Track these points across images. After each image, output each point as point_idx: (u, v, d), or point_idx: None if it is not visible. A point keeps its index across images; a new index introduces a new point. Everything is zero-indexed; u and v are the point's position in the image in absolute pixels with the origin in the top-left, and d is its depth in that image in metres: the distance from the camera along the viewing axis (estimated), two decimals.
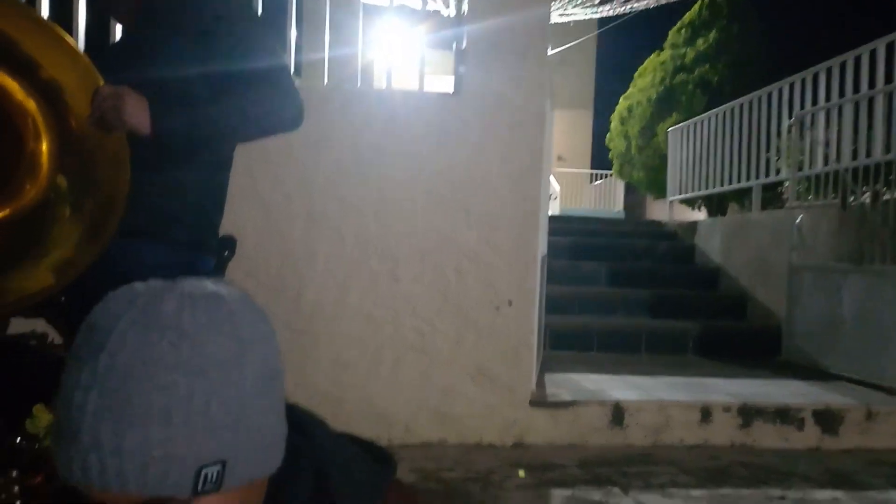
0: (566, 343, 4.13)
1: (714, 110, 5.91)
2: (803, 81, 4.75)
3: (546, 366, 3.53)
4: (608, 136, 9.57)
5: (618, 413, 2.94)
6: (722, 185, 5.69)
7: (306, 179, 2.81)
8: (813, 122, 4.56)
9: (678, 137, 6.57)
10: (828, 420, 3.05)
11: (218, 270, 1.44)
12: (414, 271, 2.86)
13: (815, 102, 4.61)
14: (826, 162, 4.42)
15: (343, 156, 2.84)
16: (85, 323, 0.54)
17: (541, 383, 3.13)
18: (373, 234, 2.85)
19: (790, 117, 4.78)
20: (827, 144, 4.46)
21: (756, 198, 5.25)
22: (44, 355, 1.28)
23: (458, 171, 2.87)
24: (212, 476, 0.51)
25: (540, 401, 2.91)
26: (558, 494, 2.34)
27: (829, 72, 4.50)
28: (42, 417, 1.03)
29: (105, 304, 0.54)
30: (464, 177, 2.87)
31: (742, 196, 6.40)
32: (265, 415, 0.55)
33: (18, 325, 1.40)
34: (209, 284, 0.56)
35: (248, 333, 0.55)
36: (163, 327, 0.51)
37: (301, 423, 0.62)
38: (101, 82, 1.11)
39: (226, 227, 1.53)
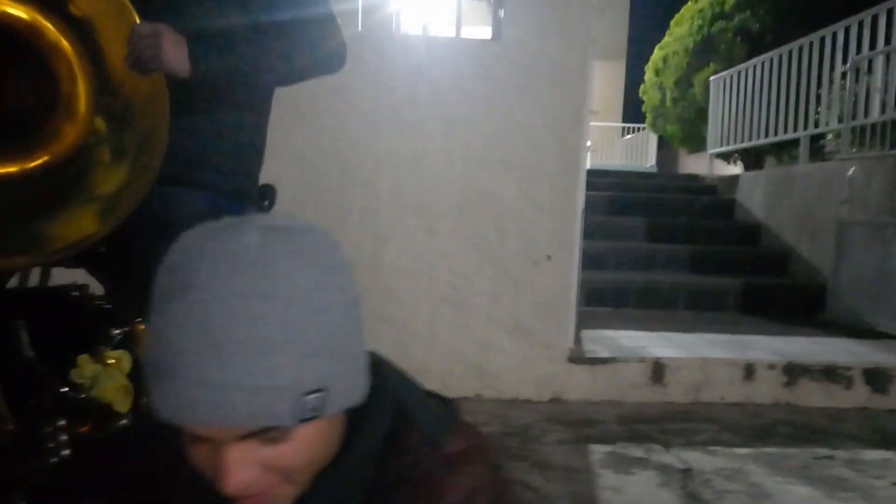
0: (602, 299, 4.06)
1: (760, 57, 5.62)
2: (860, 24, 4.46)
3: (582, 322, 3.48)
4: (642, 87, 9.24)
5: (658, 370, 2.89)
6: (766, 136, 5.45)
7: (340, 131, 2.74)
8: (870, 69, 4.31)
9: (720, 87, 6.30)
10: (878, 379, 2.95)
11: None
12: (451, 226, 2.80)
13: (872, 47, 4.34)
14: (883, 110, 4.19)
15: (377, 106, 2.75)
16: (164, 265, 0.53)
17: (578, 339, 3.08)
18: (408, 188, 2.78)
19: (844, 63, 4.52)
20: (885, 91, 4.22)
21: (803, 150, 5.03)
22: (85, 306, 1.27)
23: (497, 122, 2.77)
24: (314, 403, 0.51)
25: (578, 357, 2.87)
26: (598, 450, 2.31)
27: (889, 13, 4.22)
28: (87, 367, 1.02)
29: (183, 244, 0.53)
30: (502, 128, 2.77)
31: (781, 149, 6.14)
32: (355, 341, 0.56)
33: (59, 276, 1.39)
34: (281, 217, 0.55)
35: (328, 261, 0.54)
36: (249, 259, 0.50)
37: (372, 360, 0.63)
38: (137, 20, 1.05)
39: (262, 180, 1.49)
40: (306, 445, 0.53)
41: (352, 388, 0.56)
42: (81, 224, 0.89)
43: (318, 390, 0.51)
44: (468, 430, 0.66)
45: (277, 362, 0.49)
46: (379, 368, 0.62)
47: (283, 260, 0.51)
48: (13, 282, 1.33)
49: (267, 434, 0.51)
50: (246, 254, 0.51)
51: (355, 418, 0.60)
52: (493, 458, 0.65)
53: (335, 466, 0.58)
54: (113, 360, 1.04)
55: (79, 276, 1.38)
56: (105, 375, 1.02)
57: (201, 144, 1.27)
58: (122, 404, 1.04)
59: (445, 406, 0.66)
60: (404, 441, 0.60)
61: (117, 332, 1.09)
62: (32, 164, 0.87)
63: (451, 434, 0.62)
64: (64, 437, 1.01)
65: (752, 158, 6.73)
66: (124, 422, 1.05)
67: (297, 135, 2.71)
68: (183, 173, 1.23)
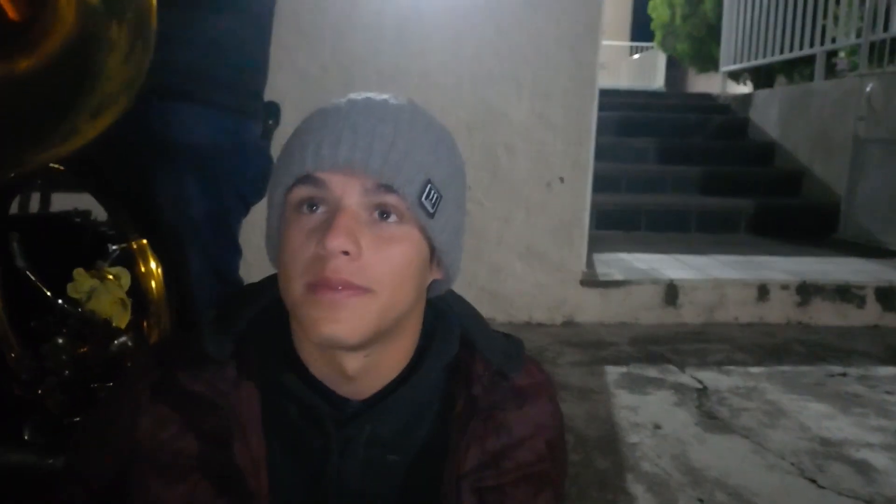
0: (613, 222, 4.00)
1: None
2: None
3: (593, 245, 3.44)
4: (651, 3, 8.85)
5: (671, 292, 2.87)
6: (781, 52, 5.24)
7: (342, 48, 2.61)
8: None
9: (734, 1, 6.00)
10: (890, 297, 2.94)
11: (264, 138, 1.33)
12: (460, 146, 2.69)
13: None
14: None
15: (381, 21, 2.60)
16: (300, 126, 0.57)
17: (590, 262, 3.04)
18: None
19: None
20: None
21: (819, 66, 4.83)
22: (88, 229, 1.22)
23: (507, 36, 2.63)
24: (433, 196, 0.53)
25: (591, 280, 2.84)
26: (613, 371, 2.32)
27: None
28: (83, 281, 0.99)
29: (317, 112, 0.56)
30: (513, 43, 2.63)
31: (792, 68, 5.91)
32: (462, 221, 0.59)
33: (61, 202, 1.33)
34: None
35: (452, 138, 0.60)
36: (398, 109, 0.56)
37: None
38: None
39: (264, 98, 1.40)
40: (403, 253, 0.53)
41: (455, 255, 0.58)
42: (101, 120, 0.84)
43: (438, 190, 0.54)
44: (532, 365, 0.65)
45: (416, 144, 0.53)
46: (447, 294, 0.61)
47: (428, 123, 0.57)
48: (13, 208, 1.27)
49: (386, 204, 0.52)
50: (385, 98, 0.56)
51: (424, 342, 0.59)
52: (555, 395, 0.64)
53: (405, 384, 0.57)
54: (111, 276, 1.00)
55: (82, 201, 1.33)
56: (102, 289, 0.98)
57: (202, 55, 1.18)
58: (121, 318, 1.01)
59: (509, 341, 0.64)
60: (472, 370, 0.59)
61: (115, 248, 1.05)
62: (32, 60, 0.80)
63: (516, 368, 0.60)
64: (64, 357, 0.98)
65: (763, 78, 6.50)
66: (123, 339, 1.02)
67: (298, 52, 2.58)
68: (183, 86, 1.15)
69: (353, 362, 0.54)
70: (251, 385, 0.55)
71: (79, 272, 0.99)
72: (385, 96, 0.56)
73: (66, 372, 0.98)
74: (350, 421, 0.55)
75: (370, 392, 0.57)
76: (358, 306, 0.51)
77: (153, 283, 1.04)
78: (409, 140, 0.53)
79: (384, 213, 0.52)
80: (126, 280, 1.03)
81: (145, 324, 1.05)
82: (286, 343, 0.58)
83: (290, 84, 2.56)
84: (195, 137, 1.13)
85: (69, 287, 0.98)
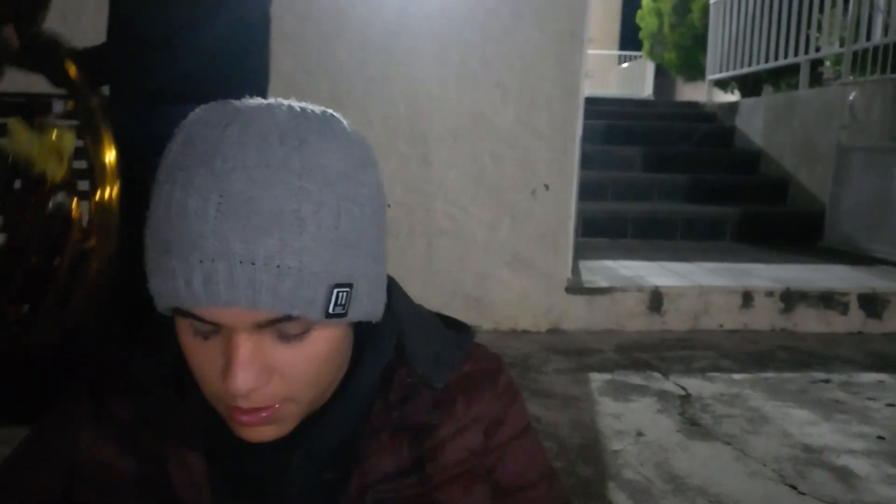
0: (599, 230, 4.02)
1: None
2: None
3: (579, 253, 3.45)
4: (639, 13, 8.93)
5: (656, 299, 2.87)
6: (766, 61, 5.29)
7: (328, 54, 2.61)
8: None
9: (720, 11, 6.06)
10: (872, 304, 2.96)
11: None
12: (446, 154, 2.71)
13: None
14: (886, 33, 4.04)
15: (367, 27, 2.61)
16: (178, 136, 0.46)
17: (576, 270, 3.05)
18: (401, 114, 2.67)
19: None
20: (888, 13, 4.05)
21: (804, 75, 4.88)
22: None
23: (493, 43, 2.64)
24: (342, 299, 0.46)
25: (576, 287, 2.84)
26: (597, 378, 2.31)
27: None
28: (20, 131, 0.95)
29: (202, 116, 0.46)
30: (499, 50, 2.64)
31: (778, 76, 5.97)
32: (379, 246, 0.50)
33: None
34: (310, 105, 0.49)
35: (360, 153, 0.48)
36: (281, 132, 0.44)
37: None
38: None
39: None
40: (320, 353, 0.48)
41: (374, 298, 0.50)
42: None
43: (346, 285, 0.46)
44: (479, 352, 0.61)
45: (309, 244, 0.43)
46: (388, 291, 0.56)
47: (316, 139, 0.45)
48: None
49: (286, 327, 0.45)
50: (276, 128, 0.44)
51: (354, 358, 0.55)
52: (502, 379, 0.60)
53: (331, 408, 0.54)
54: (53, 132, 0.97)
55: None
56: (37, 140, 0.95)
57: (201, 61, 1.19)
58: (55, 171, 0.97)
59: (449, 341, 0.60)
60: (393, 377, 0.56)
61: (60, 102, 1.03)
62: None
63: (441, 378, 0.56)
64: None
65: (750, 86, 6.56)
66: (61, 195, 0.98)
67: (284, 58, 2.57)
68: (184, 90, 1.16)
69: None
70: (188, 408, 0.53)
71: (14, 122, 0.95)
72: (259, 134, 0.44)
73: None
74: (282, 447, 0.52)
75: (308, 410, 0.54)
76: (280, 416, 0.48)
77: (103, 149, 0.98)
78: (300, 248, 0.43)
79: (288, 335, 0.46)
80: (69, 141, 0.98)
81: (97, 195, 0.99)
82: None
83: (276, 90, 2.53)
84: None
85: (5, 143, 0.94)
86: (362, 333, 0.55)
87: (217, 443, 0.53)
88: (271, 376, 0.46)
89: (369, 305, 0.50)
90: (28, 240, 0.99)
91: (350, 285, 0.46)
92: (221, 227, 0.42)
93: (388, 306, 0.55)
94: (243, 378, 0.44)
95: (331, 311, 0.45)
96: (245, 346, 0.44)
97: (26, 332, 1.03)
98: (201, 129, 0.45)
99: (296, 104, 0.47)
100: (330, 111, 0.49)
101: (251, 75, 1.30)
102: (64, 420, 0.56)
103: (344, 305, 0.46)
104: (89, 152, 0.99)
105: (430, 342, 0.58)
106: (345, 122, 0.49)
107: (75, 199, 1.01)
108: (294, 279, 0.43)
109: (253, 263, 0.42)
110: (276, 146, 0.43)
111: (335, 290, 0.45)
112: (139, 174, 1.15)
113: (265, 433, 0.49)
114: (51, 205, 0.98)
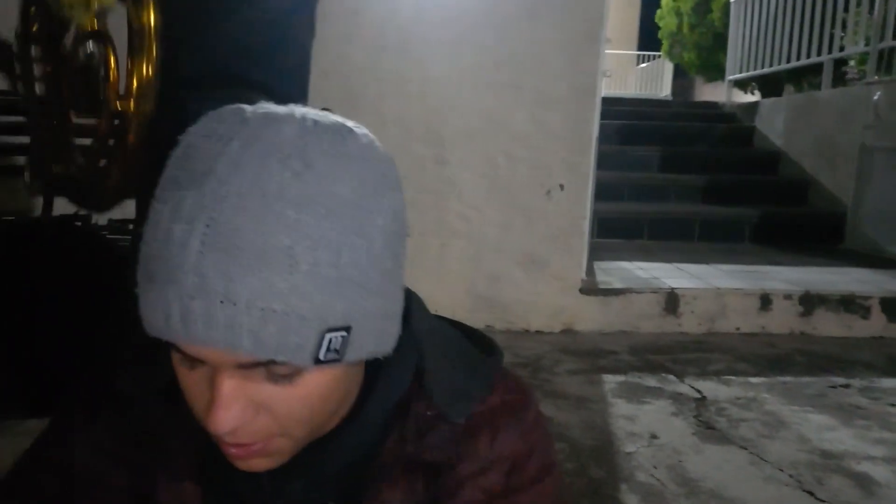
0: (615, 231, 3.98)
1: None
2: None
3: (594, 254, 3.42)
4: (658, 12, 8.86)
5: (671, 301, 2.84)
6: (788, 61, 5.21)
7: (343, 54, 2.61)
8: None
9: (741, 10, 5.99)
10: (895, 308, 2.90)
11: None
12: (460, 154, 2.70)
13: None
14: None
15: (382, 27, 2.61)
16: (180, 145, 0.43)
17: (590, 271, 3.02)
18: (415, 114, 2.67)
19: None
20: None
21: (827, 74, 4.80)
22: (91, 236, 1.22)
23: (508, 42, 2.63)
24: (335, 343, 0.42)
25: (590, 288, 2.82)
26: (611, 380, 2.29)
27: None
28: None
29: (206, 124, 0.43)
30: (513, 49, 2.63)
31: (800, 76, 5.88)
32: (392, 280, 0.46)
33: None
34: (331, 114, 0.45)
35: (376, 175, 0.44)
36: (284, 154, 0.40)
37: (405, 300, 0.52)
38: None
39: None
40: (314, 394, 0.44)
41: (379, 336, 0.46)
42: None
43: (342, 329, 0.42)
44: (505, 383, 0.55)
45: (299, 284, 0.40)
46: (409, 312, 0.52)
47: (324, 161, 0.41)
48: None
49: (273, 369, 0.42)
50: (280, 147, 0.41)
51: (368, 382, 0.51)
52: (531, 414, 0.55)
53: (340, 436, 0.50)
54: None
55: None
56: None
57: (224, 57, 1.18)
58: (82, 15, 0.95)
59: (483, 359, 0.55)
60: (409, 408, 0.52)
61: None
62: None
63: (462, 412, 0.52)
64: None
65: (771, 87, 6.48)
66: (93, 45, 0.96)
67: None
68: (213, 83, 1.15)
69: None
70: (181, 427, 0.51)
71: None
72: (260, 158, 0.40)
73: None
74: (282, 474, 0.50)
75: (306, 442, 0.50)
76: (272, 449, 0.45)
77: (144, 10, 0.93)
78: (289, 289, 0.39)
79: (275, 375, 0.43)
80: None
81: (129, 61, 0.94)
82: None
83: None
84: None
85: None
86: (377, 363, 0.51)
87: (212, 465, 0.51)
88: (258, 413, 0.43)
89: (373, 345, 0.46)
90: (64, 92, 0.97)
91: (347, 328, 0.42)
92: (203, 262, 0.39)
93: (407, 325, 0.51)
94: (224, 417, 0.41)
95: (321, 357, 0.42)
96: (228, 385, 0.42)
97: (73, 192, 1.04)
98: (201, 142, 0.42)
99: (311, 115, 0.44)
100: (349, 125, 0.45)
101: (284, 73, 1.28)
102: (58, 432, 0.55)
103: (339, 350, 0.42)
104: (130, 13, 0.94)
105: (453, 369, 0.54)
106: (365, 139, 0.45)
107: (112, 58, 0.96)
108: (279, 323, 0.39)
109: (234, 304, 0.39)
110: (275, 170, 0.40)
111: (327, 335, 0.41)
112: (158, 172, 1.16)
113: (257, 465, 0.46)
114: (81, 55, 0.94)
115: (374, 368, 0.51)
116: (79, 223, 1.27)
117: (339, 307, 0.41)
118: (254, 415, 0.43)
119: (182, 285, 0.39)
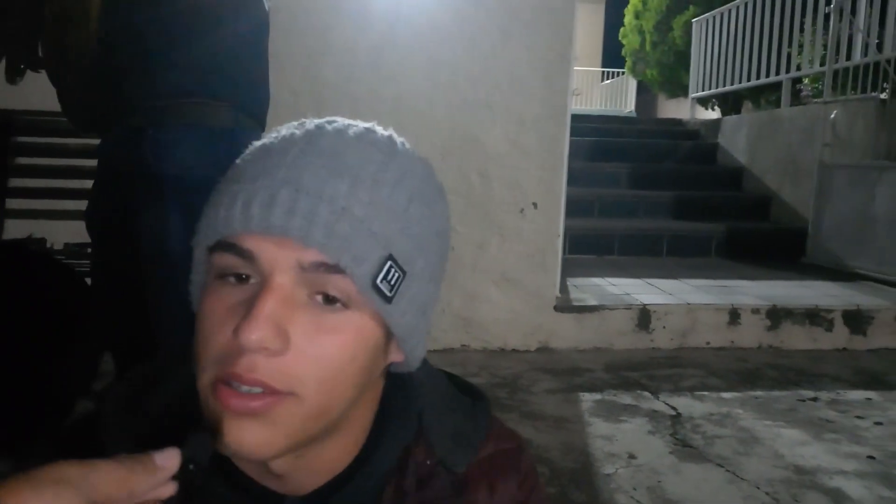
0: (586, 247, 4.02)
1: None
2: None
3: (566, 270, 3.44)
4: (622, 31, 9.06)
5: (644, 317, 2.87)
6: (749, 80, 5.37)
7: (313, 73, 2.59)
8: (854, 9, 4.21)
9: (702, 30, 6.16)
10: (857, 320, 2.98)
11: None
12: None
13: None
14: (866, 52, 4.12)
15: (354, 46, 2.60)
16: (248, 152, 0.47)
17: (564, 288, 3.04)
18: None
19: (827, 5, 4.40)
20: (868, 33, 4.14)
21: (785, 93, 4.96)
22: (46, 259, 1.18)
23: (481, 61, 2.64)
24: (392, 277, 0.43)
25: (565, 305, 2.84)
26: (588, 398, 2.30)
27: None
28: None
29: (270, 134, 0.47)
30: (487, 69, 2.65)
31: (759, 94, 6.06)
32: (436, 285, 0.48)
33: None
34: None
35: (434, 188, 0.49)
36: (369, 140, 0.46)
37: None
38: None
39: None
40: (345, 344, 0.42)
41: (419, 324, 0.47)
42: None
43: (401, 268, 0.43)
44: (497, 432, 0.56)
45: (378, 203, 0.43)
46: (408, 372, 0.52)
47: (403, 151, 0.47)
48: None
49: (326, 282, 0.41)
50: (360, 135, 0.46)
51: (378, 425, 0.50)
52: (524, 463, 0.55)
53: (351, 480, 0.49)
54: None
55: (39, 228, 1.28)
56: None
57: (193, 76, 1.17)
58: None
59: (467, 417, 0.54)
60: (409, 457, 0.51)
61: None
62: None
63: (461, 460, 0.52)
64: None
65: (731, 103, 6.66)
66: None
67: (270, 76, 2.55)
68: (175, 108, 1.14)
69: (278, 462, 0.45)
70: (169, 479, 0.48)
71: None
72: (358, 129, 0.46)
73: None
74: None
75: (311, 487, 0.49)
76: (274, 415, 0.41)
77: None
78: (369, 202, 0.42)
79: (327, 297, 0.42)
80: None
81: None
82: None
83: None
84: (186, 171, 1.12)
85: None
86: (387, 401, 0.51)
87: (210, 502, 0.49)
88: (286, 345, 0.40)
89: (411, 323, 0.46)
90: None
91: (404, 271, 0.43)
92: (298, 162, 0.42)
93: (409, 382, 0.51)
94: (258, 323, 0.39)
95: (378, 282, 0.42)
96: (277, 294, 0.40)
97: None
98: (274, 141, 0.46)
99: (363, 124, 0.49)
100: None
101: (248, 89, 1.27)
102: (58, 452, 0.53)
103: (392, 287, 0.42)
104: None
105: (450, 416, 0.53)
106: (422, 159, 0.51)
107: None
108: (352, 225, 0.41)
109: (320, 197, 0.41)
110: (363, 145, 0.45)
111: (388, 263, 0.42)
112: (125, 194, 1.13)
113: (251, 433, 0.41)
114: None
115: (383, 413, 0.51)
116: (33, 247, 1.23)
117: (404, 246, 0.44)
118: (282, 344, 0.40)
119: (274, 178, 0.42)
